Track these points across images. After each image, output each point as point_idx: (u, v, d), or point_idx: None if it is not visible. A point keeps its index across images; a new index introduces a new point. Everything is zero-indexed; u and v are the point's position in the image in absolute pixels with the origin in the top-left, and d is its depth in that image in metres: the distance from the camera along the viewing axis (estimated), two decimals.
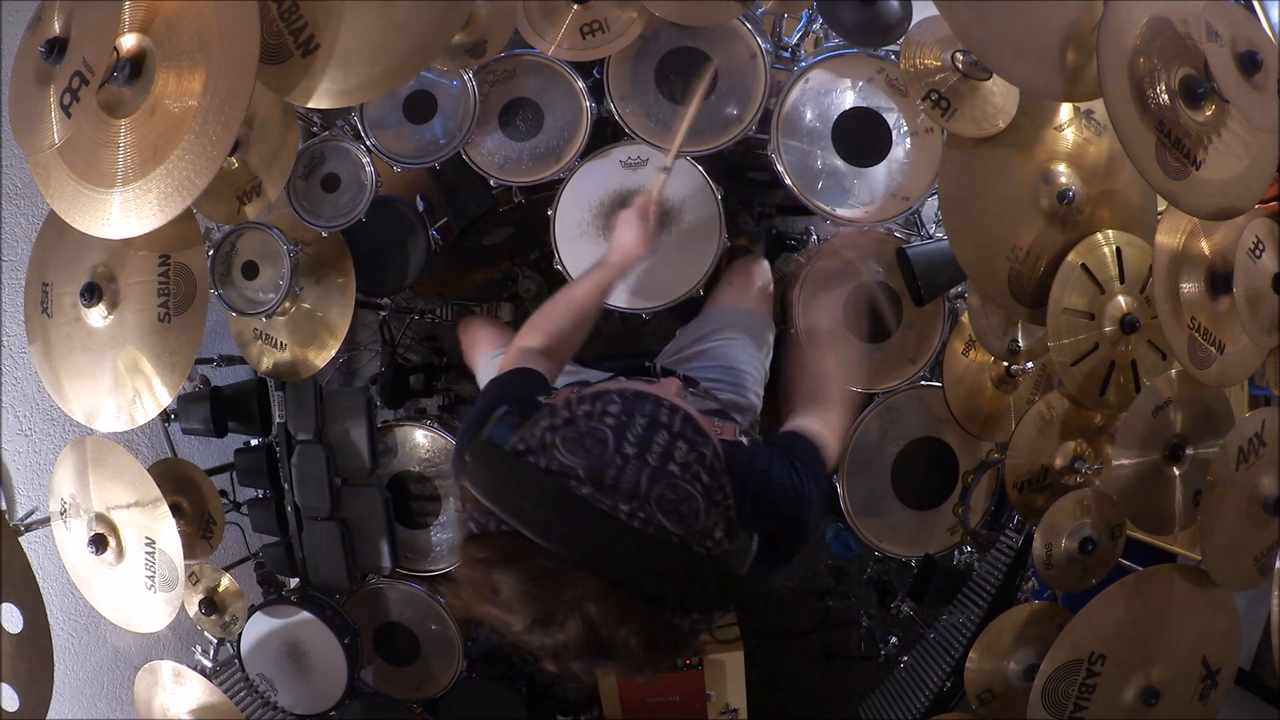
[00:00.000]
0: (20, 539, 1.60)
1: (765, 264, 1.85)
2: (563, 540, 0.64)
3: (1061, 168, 1.47)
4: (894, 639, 2.11)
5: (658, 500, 0.65)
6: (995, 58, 1.28)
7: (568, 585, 0.64)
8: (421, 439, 1.92)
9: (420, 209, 1.86)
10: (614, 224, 1.34)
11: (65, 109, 1.26)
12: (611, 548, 0.64)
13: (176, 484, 1.75)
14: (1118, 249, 1.48)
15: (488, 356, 1.73)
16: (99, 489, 1.62)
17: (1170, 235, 1.41)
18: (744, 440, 0.95)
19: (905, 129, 1.66)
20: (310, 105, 1.38)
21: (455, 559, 1.86)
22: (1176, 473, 1.53)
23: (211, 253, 1.67)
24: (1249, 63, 1.25)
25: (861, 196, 1.68)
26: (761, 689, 2.16)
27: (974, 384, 1.73)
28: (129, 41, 1.28)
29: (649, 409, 0.70)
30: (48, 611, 1.55)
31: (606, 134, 1.77)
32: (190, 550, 1.65)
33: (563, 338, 1.20)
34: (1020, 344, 1.65)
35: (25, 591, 1.53)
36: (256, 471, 1.85)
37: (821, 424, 1.07)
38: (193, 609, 1.83)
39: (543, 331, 1.19)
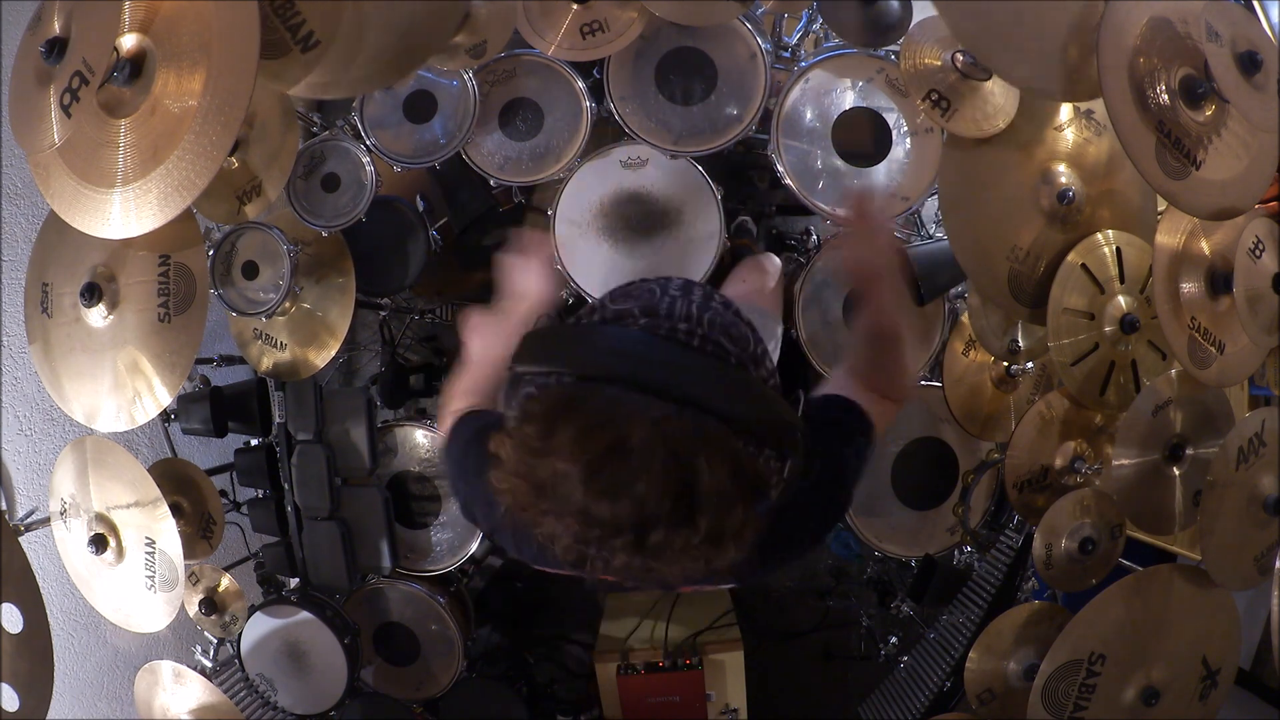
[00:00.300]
0: (20, 539, 1.59)
1: (775, 259, 1.83)
2: (629, 365, 0.62)
3: (1061, 168, 1.47)
4: (894, 639, 2.11)
5: (709, 323, 0.66)
6: (995, 58, 1.28)
7: (638, 413, 0.58)
8: (421, 439, 1.92)
9: (420, 209, 1.87)
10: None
11: (65, 109, 1.26)
12: (679, 366, 0.63)
13: (176, 484, 1.75)
14: (1118, 249, 1.48)
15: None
16: (99, 489, 1.62)
17: (1170, 235, 1.41)
18: None
19: (905, 129, 1.66)
20: (309, 95, 1.38)
21: (471, 548, 1.85)
22: (1176, 473, 1.53)
23: (211, 253, 1.68)
24: (1249, 63, 1.25)
25: None
26: (761, 689, 2.16)
27: (974, 384, 1.73)
28: (129, 41, 1.28)
29: (684, 278, 0.74)
30: (48, 611, 1.55)
31: (606, 134, 1.77)
32: (190, 550, 1.65)
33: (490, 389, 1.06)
34: (1020, 344, 1.65)
35: (25, 591, 1.53)
36: (256, 471, 1.85)
37: (865, 379, 1.00)
38: (193, 609, 1.83)
39: (471, 394, 1.05)
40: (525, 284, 1.10)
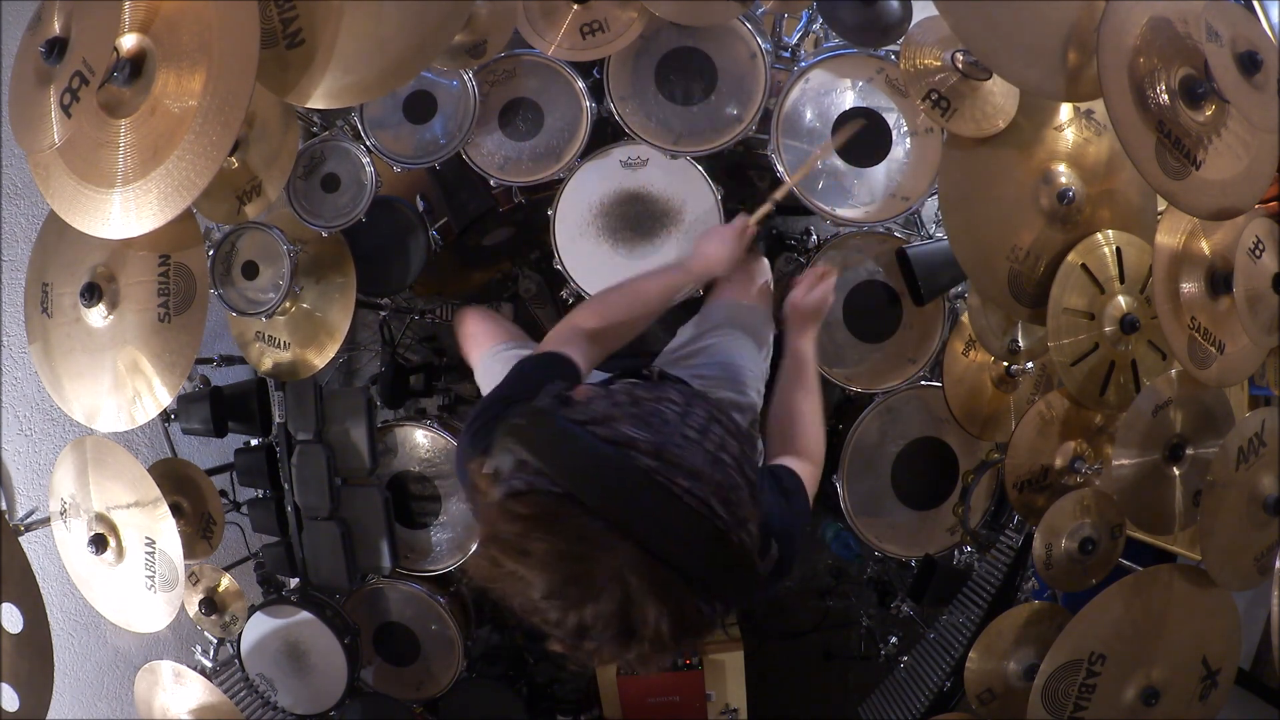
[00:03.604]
0: (20, 539, 1.60)
1: (765, 262, 1.84)
2: (619, 506, 0.64)
3: (1061, 168, 1.47)
4: (894, 639, 2.11)
5: (712, 483, 0.66)
6: (995, 58, 1.28)
7: (609, 553, 0.63)
8: (421, 439, 1.92)
9: (420, 209, 1.86)
10: (703, 234, 1.36)
11: (65, 109, 1.26)
12: (664, 520, 0.64)
13: (176, 484, 1.75)
14: (1118, 249, 1.48)
15: (490, 354, 1.66)
16: (99, 489, 1.62)
17: (1170, 235, 1.41)
18: None
19: (905, 129, 1.66)
20: (309, 106, 1.39)
21: (471, 547, 1.88)
22: (1176, 473, 1.53)
23: (211, 253, 1.67)
24: (1249, 63, 1.25)
25: (861, 196, 1.68)
26: (761, 689, 2.16)
27: (974, 384, 1.73)
28: (129, 41, 1.28)
29: (707, 405, 0.73)
30: (48, 611, 1.55)
31: (606, 134, 1.77)
32: (190, 550, 1.65)
33: (616, 327, 1.17)
34: (1020, 344, 1.65)
35: (25, 591, 1.53)
36: (256, 471, 1.85)
37: (803, 470, 1.07)
38: (193, 609, 1.83)
39: (599, 316, 1.16)
40: (711, 249, 1.31)
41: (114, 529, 1.62)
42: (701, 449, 0.67)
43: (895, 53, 1.58)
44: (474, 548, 0.73)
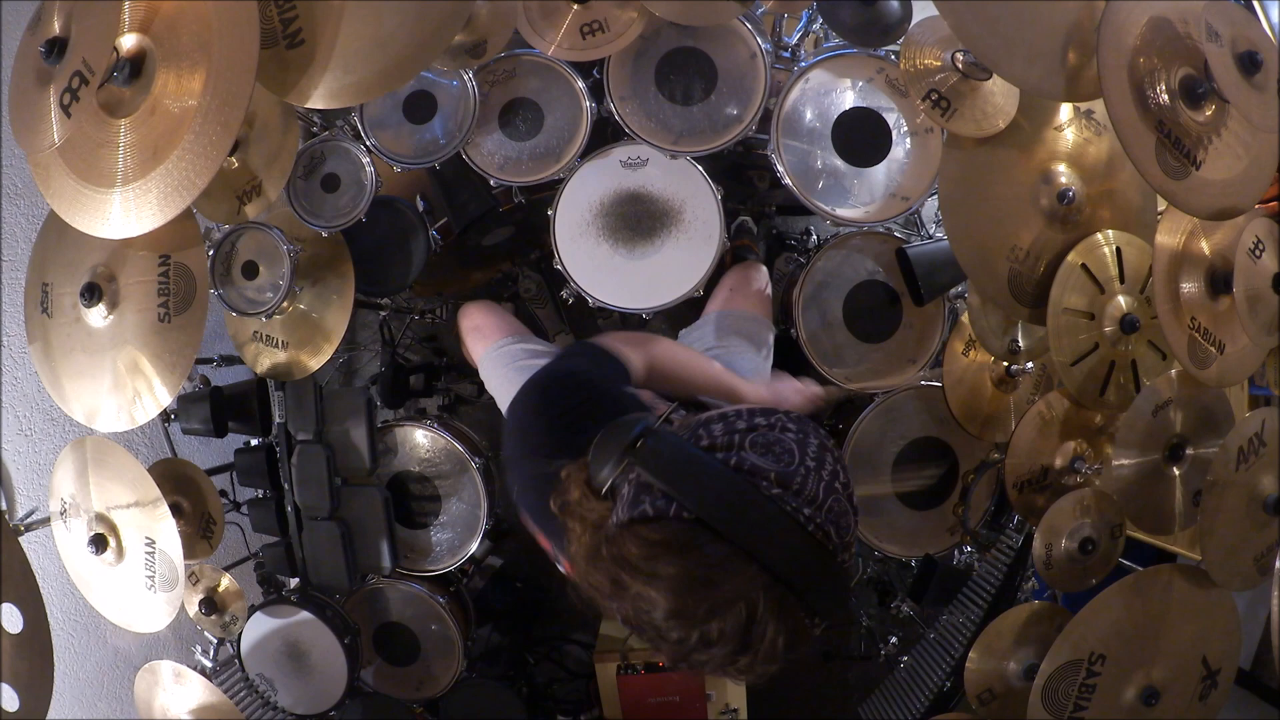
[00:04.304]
0: (20, 539, 1.59)
1: (763, 269, 1.85)
2: (749, 533, 0.68)
3: (1061, 168, 1.47)
4: (894, 639, 2.10)
5: (829, 511, 0.71)
6: (995, 58, 1.28)
7: (738, 576, 0.66)
8: (421, 439, 1.92)
9: (420, 209, 1.86)
10: (790, 386, 1.47)
11: (65, 109, 1.26)
12: (789, 546, 0.68)
13: (176, 484, 1.75)
14: (1118, 249, 1.48)
15: (495, 348, 1.65)
16: (99, 489, 1.62)
17: (1170, 235, 1.40)
18: None
19: (905, 129, 1.66)
20: (309, 105, 1.39)
21: (472, 546, 1.88)
22: (1176, 473, 1.53)
23: (211, 253, 1.67)
24: (1249, 63, 1.25)
25: (861, 196, 1.68)
26: (761, 689, 2.16)
27: (974, 384, 1.73)
28: (129, 41, 1.28)
29: (820, 435, 0.77)
30: (48, 611, 1.55)
31: (606, 134, 1.77)
32: (190, 550, 1.65)
33: (657, 377, 1.14)
34: (1020, 344, 1.65)
35: (25, 591, 1.53)
36: (256, 471, 1.85)
37: None
38: (193, 609, 1.83)
39: (647, 362, 1.11)
40: (784, 393, 1.41)
41: (114, 529, 1.62)
42: (820, 478, 0.71)
43: (895, 53, 1.58)
44: (582, 558, 0.75)
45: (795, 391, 1.46)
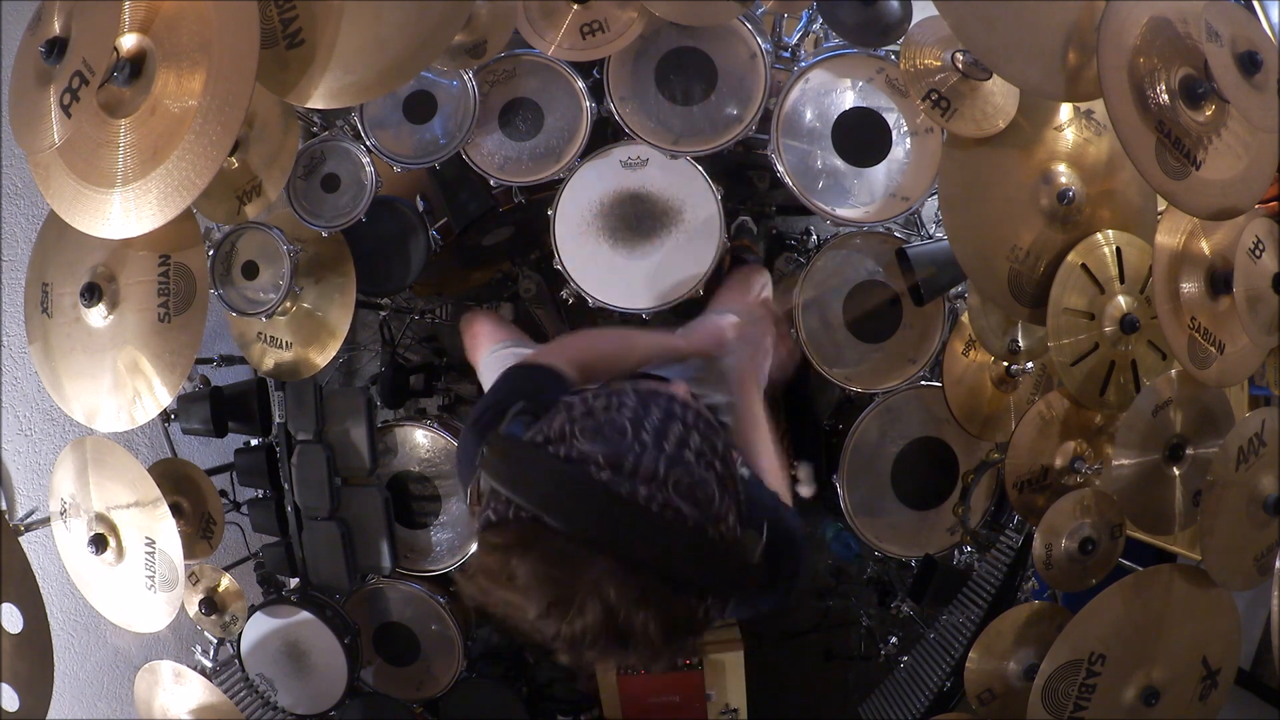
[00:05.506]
0: (20, 539, 1.59)
1: (765, 271, 1.86)
2: (583, 524, 0.65)
3: (1061, 168, 1.47)
4: (894, 639, 2.11)
5: (674, 484, 0.66)
6: (996, 58, 1.28)
7: (586, 568, 0.64)
8: (421, 439, 1.92)
9: (420, 209, 1.86)
10: (721, 320, 1.38)
11: (65, 109, 1.26)
12: (630, 530, 0.65)
13: (176, 484, 1.75)
14: (1118, 249, 1.48)
15: (489, 353, 1.71)
16: (99, 489, 1.62)
17: (1170, 235, 1.40)
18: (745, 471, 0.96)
19: (905, 129, 1.66)
20: (309, 105, 1.39)
21: (471, 549, 1.89)
22: (1176, 473, 1.53)
23: (211, 253, 1.67)
24: (1249, 63, 1.25)
25: (861, 196, 1.68)
26: (761, 689, 2.16)
27: (974, 384, 1.73)
28: (129, 41, 1.28)
29: (664, 403, 0.73)
30: (48, 611, 1.55)
31: (606, 134, 1.77)
32: (190, 550, 1.65)
33: (589, 372, 1.12)
34: (1020, 344, 1.65)
35: (25, 591, 1.53)
36: (256, 471, 1.85)
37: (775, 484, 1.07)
38: (193, 609, 1.83)
39: (572, 360, 1.10)
40: (714, 331, 1.31)
41: (114, 529, 1.62)
42: (659, 451, 0.67)
43: (895, 53, 1.58)
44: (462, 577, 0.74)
45: (730, 325, 1.36)
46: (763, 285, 1.81)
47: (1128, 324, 1.48)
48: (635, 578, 0.64)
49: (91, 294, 1.51)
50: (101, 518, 1.63)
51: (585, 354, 1.14)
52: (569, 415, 0.72)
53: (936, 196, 1.54)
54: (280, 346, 1.78)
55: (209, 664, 1.88)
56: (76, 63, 1.24)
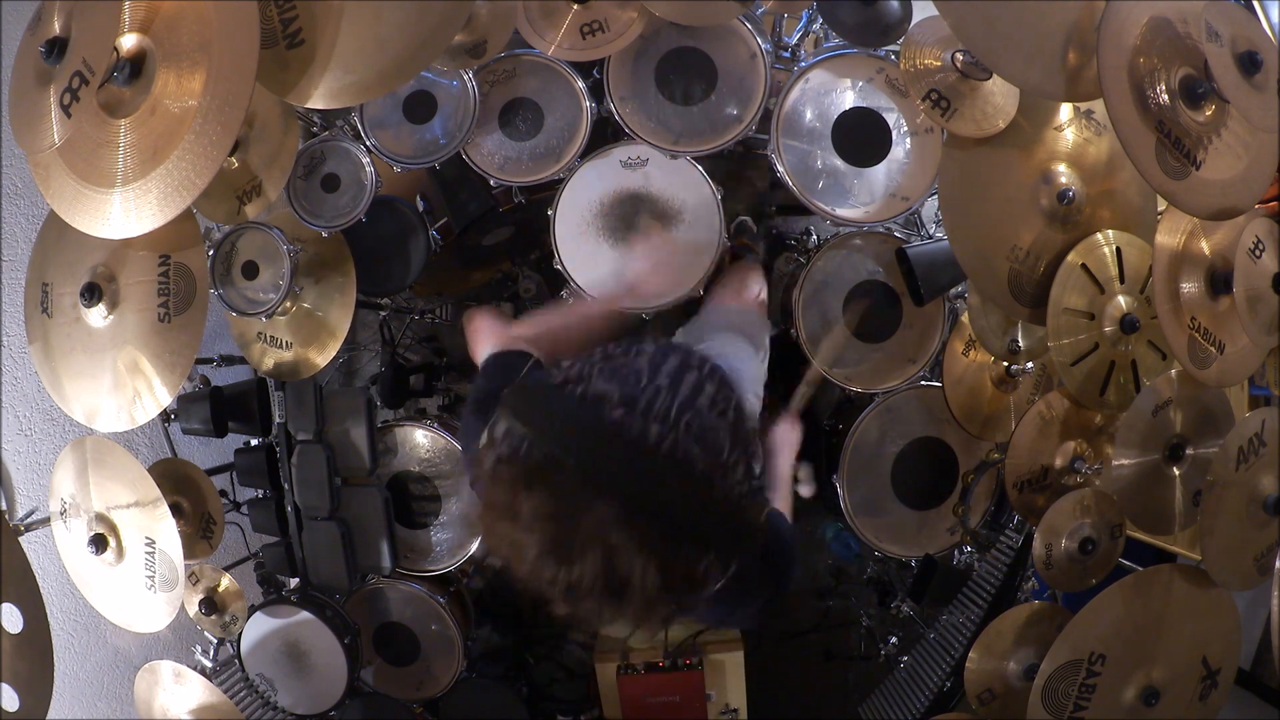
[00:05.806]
0: (20, 539, 1.59)
1: (760, 269, 1.86)
2: (592, 461, 0.64)
3: (1061, 168, 1.47)
4: (894, 639, 2.11)
5: (685, 426, 0.65)
6: (995, 58, 1.28)
7: (590, 510, 0.63)
8: (421, 439, 1.92)
9: (420, 209, 1.87)
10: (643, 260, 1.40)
11: (65, 109, 1.26)
12: (638, 470, 0.64)
13: (176, 484, 1.75)
14: (1118, 249, 1.48)
15: (492, 351, 1.71)
16: (99, 489, 1.62)
17: (1170, 235, 1.40)
18: None
19: (905, 129, 1.66)
20: (309, 105, 1.39)
21: (471, 549, 1.88)
22: (1176, 473, 1.53)
23: (211, 253, 1.68)
24: (1249, 63, 1.25)
25: (861, 196, 1.68)
26: (761, 689, 2.16)
27: (974, 384, 1.73)
28: (129, 41, 1.28)
29: (681, 354, 0.73)
30: (48, 611, 1.55)
31: (606, 134, 1.77)
32: (190, 550, 1.65)
33: (558, 348, 1.13)
34: (1020, 344, 1.65)
35: (25, 591, 1.53)
36: (256, 471, 1.85)
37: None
38: (193, 609, 1.83)
39: (538, 339, 1.15)
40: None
41: (114, 529, 1.62)
42: (676, 394, 0.67)
43: (895, 53, 1.58)
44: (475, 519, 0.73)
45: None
46: (759, 279, 1.81)
47: (1128, 324, 1.48)
48: (637, 524, 0.63)
49: (91, 294, 1.51)
50: (101, 518, 1.63)
51: (538, 331, 1.18)
52: (587, 360, 0.72)
53: (936, 196, 1.54)
54: (280, 346, 1.78)
55: (209, 664, 1.88)
56: (76, 63, 1.24)
